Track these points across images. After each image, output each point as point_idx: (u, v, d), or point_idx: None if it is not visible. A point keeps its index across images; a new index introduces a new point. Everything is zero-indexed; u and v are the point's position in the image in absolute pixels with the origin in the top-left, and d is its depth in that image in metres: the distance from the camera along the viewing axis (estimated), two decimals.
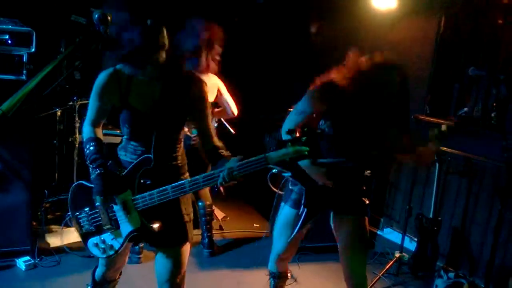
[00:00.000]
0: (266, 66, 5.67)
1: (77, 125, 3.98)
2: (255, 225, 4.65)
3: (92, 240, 2.20)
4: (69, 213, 2.26)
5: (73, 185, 2.26)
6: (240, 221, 4.70)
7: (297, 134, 1.93)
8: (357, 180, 2.60)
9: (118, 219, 2.15)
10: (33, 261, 3.43)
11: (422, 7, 4.09)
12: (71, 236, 3.80)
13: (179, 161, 2.23)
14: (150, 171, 2.11)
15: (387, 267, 3.81)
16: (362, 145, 2.50)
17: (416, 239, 3.92)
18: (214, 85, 3.69)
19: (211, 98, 3.78)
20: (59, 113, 4.21)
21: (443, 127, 2.67)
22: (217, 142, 2.19)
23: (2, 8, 3.52)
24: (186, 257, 2.25)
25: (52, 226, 4.01)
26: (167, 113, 2.11)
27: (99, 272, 2.41)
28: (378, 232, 4.45)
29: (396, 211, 4.42)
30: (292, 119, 2.54)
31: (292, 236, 2.62)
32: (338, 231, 2.65)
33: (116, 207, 2.14)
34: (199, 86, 2.17)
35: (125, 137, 2.21)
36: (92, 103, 2.18)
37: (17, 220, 3.41)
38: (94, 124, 2.21)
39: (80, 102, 3.99)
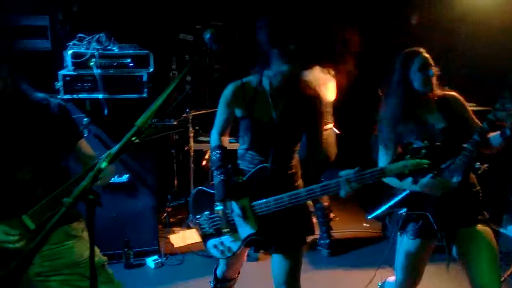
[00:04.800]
0: (363, 62, 5.54)
1: (191, 134, 4.30)
2: (364, 224, 4.59)
3: (212, 242, 2.34)
4: (191, 215, 2.43)
5: (194, 191, 2.44)
6: (349, 221, 4.68)
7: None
8: (468, 187, 2.39)
9: (236, 224, 2.26)
10: (160, 260, 3.79)
11: None
12: (192, 237, 4.13)
13: (293, 170, 2.31)
14: (266, 179, 2.20)
15: None
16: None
17: None
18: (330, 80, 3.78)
19: (332, 96, 3.84)
20: (175, 123, 4.56)
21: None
22: (325, 154, 2.26)
23: (122, 35, 3.92)
24: (302, 258, 2.31)
25: (175, 228, 4.38)
26: (288, 126, 2.20)
27: (219, 271, 2.58)
28: (501, 230, 4.12)
29: None
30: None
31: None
32: (460, 245, 2.36)
33: (234, 212, 2.26)
34: (318, 100, 2.24)
35: (244, 146, 2.32)
36: (219, 112, 2.33)
37: (146, 223, 3.80)
38: (221, 132, 2.37)
39: (193, 113, 4.30)
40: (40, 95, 2.02)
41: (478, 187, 2.43)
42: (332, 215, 4.65)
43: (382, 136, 2.46)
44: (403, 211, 2.45)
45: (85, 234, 2.10)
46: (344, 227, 4.51)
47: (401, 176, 1.98)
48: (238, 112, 2.28)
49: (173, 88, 1.50)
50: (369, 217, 2.38)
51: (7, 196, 1.90)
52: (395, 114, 2.40)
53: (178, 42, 5.13)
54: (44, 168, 1.97)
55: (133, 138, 1.61)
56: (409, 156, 1.91)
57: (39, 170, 1.94)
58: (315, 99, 2.24)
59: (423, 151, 1.90)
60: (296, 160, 2.33)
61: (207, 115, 4.40)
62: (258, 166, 2.22)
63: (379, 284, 2.88)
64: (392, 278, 2.74)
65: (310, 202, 3.91)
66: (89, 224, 1.43)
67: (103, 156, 1.59)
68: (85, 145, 2.10)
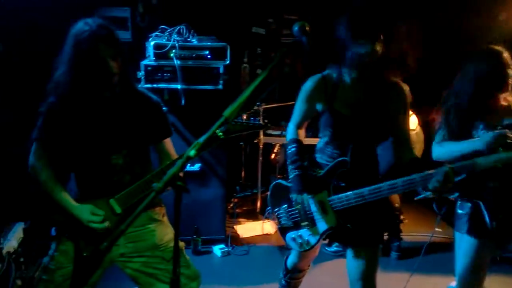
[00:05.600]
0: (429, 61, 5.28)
1: None
2: (436, 229, 4.39)
3: (290, 235, 2.35)
4: (269, 208, 2.44)
5: (272, 184, 2.44)
6: (418, 224, 4.49)
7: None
8: None
9: (315, 217, 2.25)
10: (227, 249, 3.86)
11: None
12: (258, 228, 4.17)
13: (373, 166, 2.25)
14: (345, 173, 2.17)
15: None
16: None
17: None
18: None
19: None
20: (244, 117, 4.60)
21: None
22: (416, 153, 2.15)
23: (198, 27, 4.01)
24: (378, 256, 2.26)
25: (241, 219, 4.44)
26: (369, 118, 2.15)
27: (290, 261, 2.58)
28: None
29: None
30: None
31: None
32: None
33: (312, 206, 2.24)
34: (402, 92, 2.16)
35: (324, 140, 2.30)
36: (298, 106, 2.33)
37: (214, 212, 3.88)
38: (298, 126, 2.36)
39: (264, 107, 4.31)
40: (142, 89, 2.17)
41: None
42: (401, 217, 4.52)
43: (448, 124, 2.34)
44: (455, 195, 2.34)
45: (165, 219, 2.20)
46: (415, 230, 4.35)
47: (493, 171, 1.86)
48: (319, 106, 2.25)
49: (261, 80, 1.50)
50: (416, 198, 2.30)
51: (99, 178, 2.03)
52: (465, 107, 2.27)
53: (251, 35, 5.17)
54: (135, 156, 2.08)
55: (220, 134, 1.66)
56: (502, 148, 1.81)
57: (131, 157, 2.06)
58: (399, 89, 2.15)
59: None
60: (375, 157, 2.26)
61: (277, 109, 4.42)
62: (337, 160, 2.19)
63: None
64: (453, 283, 2.62)
65: (397, 199, 3.83)
66: (175, 209, 1.48)
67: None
68: (169, 143, 2.21)
